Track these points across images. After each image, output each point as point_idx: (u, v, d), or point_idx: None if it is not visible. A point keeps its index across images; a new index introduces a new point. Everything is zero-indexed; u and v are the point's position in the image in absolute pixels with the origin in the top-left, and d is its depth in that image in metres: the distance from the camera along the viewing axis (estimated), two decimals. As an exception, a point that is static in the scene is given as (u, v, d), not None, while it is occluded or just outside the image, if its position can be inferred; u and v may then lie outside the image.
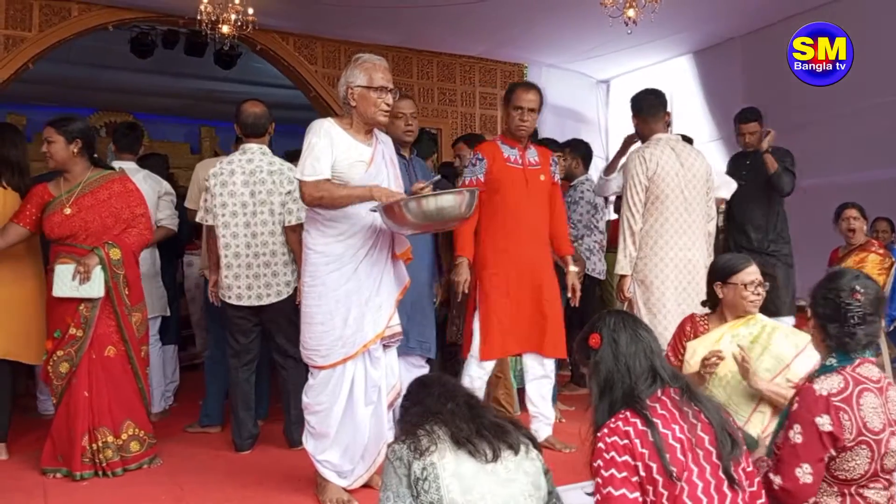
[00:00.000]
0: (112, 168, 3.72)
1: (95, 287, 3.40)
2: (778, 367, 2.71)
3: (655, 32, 6.15)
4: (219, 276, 3.74)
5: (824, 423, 1.95)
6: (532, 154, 3.83)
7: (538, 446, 1.97)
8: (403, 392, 2.18)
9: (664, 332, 3.69)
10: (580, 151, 5.18)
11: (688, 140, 4.62)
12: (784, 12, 6.00)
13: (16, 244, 3.52)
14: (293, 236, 3.62)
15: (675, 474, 1.72)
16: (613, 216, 5.27)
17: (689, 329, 2.96)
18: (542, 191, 3.79)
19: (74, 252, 3.42)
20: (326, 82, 6.71)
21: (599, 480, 1.78)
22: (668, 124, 4.31)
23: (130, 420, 3.51)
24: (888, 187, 5.44)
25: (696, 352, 2.83)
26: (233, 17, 5.32)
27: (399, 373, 3.23)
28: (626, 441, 1.77)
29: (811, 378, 2.08)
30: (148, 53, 7.16)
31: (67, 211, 3.43)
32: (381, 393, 3.07)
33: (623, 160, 4.53)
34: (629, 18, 4.89)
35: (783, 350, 2.74)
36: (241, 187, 3.68)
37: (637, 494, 1.74)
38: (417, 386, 2.10)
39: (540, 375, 3.78)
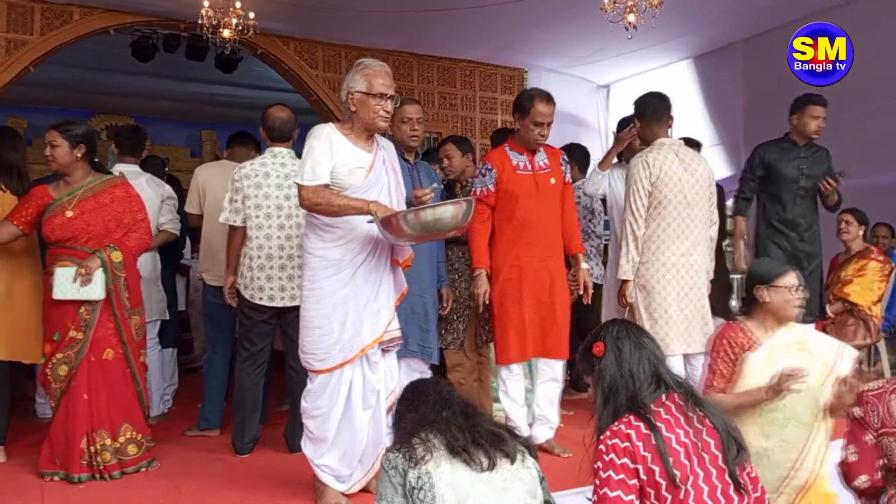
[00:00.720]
0: (110, 172, 3.73)
1: (97, 289, 3.40)
2: (826, 373, 2.69)
3: (656, 37, 6.15)
4: (236, 278, 3.76)
5: (857, 411, 2.21)
6: (541, 157, 3.83)
7: (534, 454, 1.97)
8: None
9: (665, 337, 3.68)
10: (577, 156, 5.18)
11: (696, 145, 4.60)
12: (785, 17, 6.00)
13: (8, 243, 3.52)
14: None
15: (678, 478, 1.72)
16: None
17: (741, 338, 2.83)
18: (553, 194, 3.81)
19: (75, 255, 3.42)
20: (327, 86, 6.72)
21: (597, 481, 1.80)
22: (670, 128, 4.31)
23: (128, 423, 3.50)
24: (889, 192, 5.44)
25: (760, 366, 2.72)
26: (234, 21, 5.34)
27: (399, 377, 3.22)
28: (626, 444, 1.79)
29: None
30: (149, 57, 7.18)
31: (69, 214, 3.43)
32: (380, 397, 3.07)
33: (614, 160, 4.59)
34: (629, 23, 4.89)
35: (827, 355, 2.73)
36: (276, 190, 3.70)
37: (633, 497, 1.75)
38: (412, 392, 2.08)
39: (548, 378, 3.80)
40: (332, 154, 2.90)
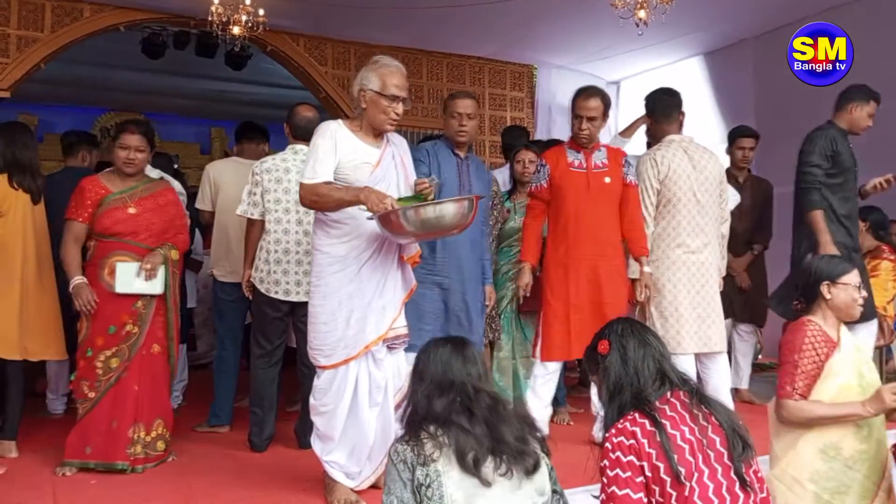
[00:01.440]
0: None
1: (159, 284, 3.53)
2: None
3: (666, 33, 6.12)
4: (252, 272, 3.78)
5: None
6: (600, 157, 3.79)
7: (547, 450, 1.95)
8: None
9: (676, 335, 3.67)
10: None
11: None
12: (796, 14, 5.96)
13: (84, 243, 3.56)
14: None
15: (683, 475, 1.71)
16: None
17: (821, 339, 2.66)
18: (608, 193, 3.75)
19: (132, 250, 3.51)
20: (336, 83, 6.72)
21: (605, 480, 1.80)
22: (681, 125, 4.28)
23: (161, 419, 3.59)
24: (889, 192, 5.39)
25: (842, 366, 2.59)
26: (243, 18, 5.34)
27: (406, 374, 3.21)
28: (632, 441, 1.79)
29: None
30: (159, 54, 7.19)
31: (133, 210, 3.53)
32: (387, 394, 3.06)
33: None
34: (640, 19, 4.87)
35: (869, 349, 2.73)
36: (296, 185, 3.70)
37: (641, 495, 1.75)
38: (437, 385, 1.94)
39: None
40: (336, 151, 2.89)
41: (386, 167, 2.98)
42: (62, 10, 5.75)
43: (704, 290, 3.79)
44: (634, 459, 1.77)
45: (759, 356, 6.01)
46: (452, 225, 2.82)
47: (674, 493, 1.72)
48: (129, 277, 3.47)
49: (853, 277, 2.71)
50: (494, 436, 1.84)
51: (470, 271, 3.69)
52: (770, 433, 2.66)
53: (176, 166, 6.40)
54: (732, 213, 4.49)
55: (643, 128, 4.65)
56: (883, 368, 5.01)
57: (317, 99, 6.95)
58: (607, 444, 1.83)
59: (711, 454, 1.78)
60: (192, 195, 4.65)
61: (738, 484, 1.76)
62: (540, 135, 7.33)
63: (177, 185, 4.50)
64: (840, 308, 2.71)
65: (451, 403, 1.89)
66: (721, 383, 3.80)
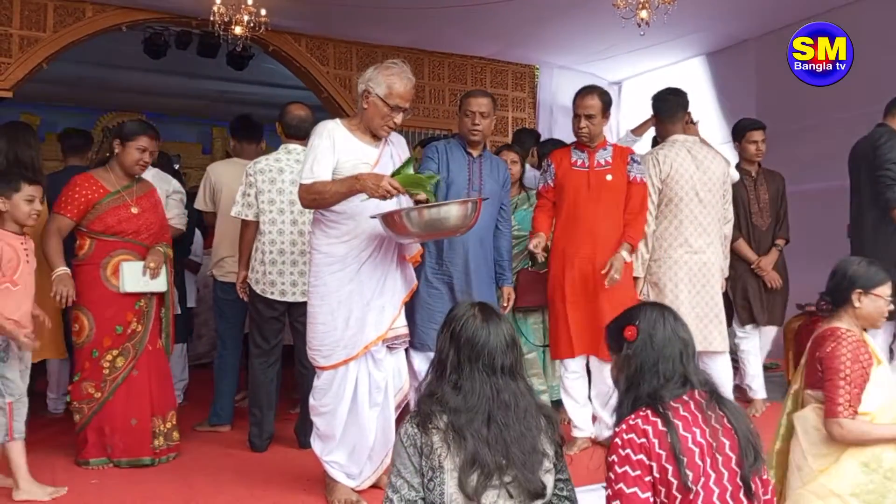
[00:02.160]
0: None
1: (162, 282, 3.61)
2: None
3: (668, 34, 6.11)
4: (248, 272, 3.79)
5: None
6: (605, 155, 3.76)
7: (561, 452, 1.92)
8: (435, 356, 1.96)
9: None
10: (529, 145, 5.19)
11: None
12: (798, 15, 5.94)
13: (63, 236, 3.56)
14: None
15: (690, 479, 1.70)
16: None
17: (862, 349, 2.55)
18: (609, 192, 3.70)
19: (135, 249, 3.57)
20: (338, 83, 6.72)
21: (612, 476, 1.77)
22: (691, 122, 4.27)
23: (173, 410, 3.72)
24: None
25: (882, 376, 2.54)
26: (245, 18, 5.33)
27: (406, 375, 3.21)
28: (643, 440, 1.76)
29: None
30: (161, 54, 7.19)
31: (135, 210, 3.58)
32: (388, 395, 3.06)
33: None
34: (642, 20, 4.86)
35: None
36: (290, 185, 3.72)
37: (648, 494, 1.73)
38: (468, 364, 1.84)
39: (598, 380, 3.72)
40: (333, 151, 2.89)
41: (384, 166, 2.97)
42: (64, 10, 5.75)
43: (706, 290, 3.78)
44: (644, 458, 1.74)
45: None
46: (456, 227, 2.81)
47: (679, 497, 1.71)
48: (135, 277, 3.52)
49: (886, 289, 2.63)
50: (504, 452, 1.77)
51: (478, 271, 3.65)
52: (799, 447, 2.56)
53: (177, 166, 6.40)
54: (752, 211, 4.46)
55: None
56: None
57: (318, 99, 6.94)
58: (617, 440, 1.79)
59: (720, 458, 1.75)
60: (193, 195, 4.64)
61: (742, 490, 1.75)
62: (541, 135, 7.32)
63: (176, 184, 4.49)
64: (865, 318, 2.64)
65: (471, 410, 1.80)
66: (721, 383, 3.78)
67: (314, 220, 3.02)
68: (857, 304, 2.62)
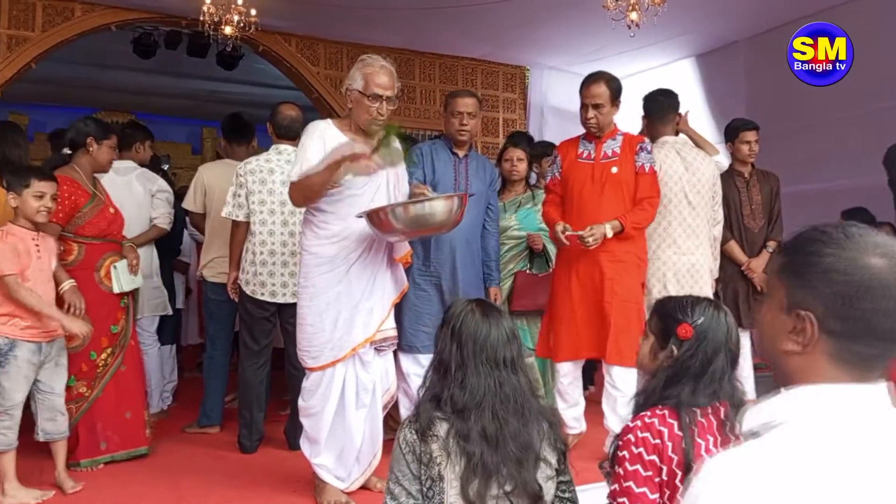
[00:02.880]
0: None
1: (141, 278, 3.76)
2: None
3: (658, 35, 6.14)
4: (239, 273, 3.78)
5: None
6: (613, 145, 3.60)
7: (565, 464, 1.88)
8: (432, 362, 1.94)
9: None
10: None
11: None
12: (788, 16, 5.99)
13: None
14: None
15: None
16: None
17: None
18: (614, 184, 3.53)
19: (118, 249, 3.67)
20: (329, 84, 6.71)
21: (622, 472, 1.71)
22: (677, 125, 4.25)
23: (149, 401, 3.85)
24: (890, 193, 5.43)
25: None
26: (235, 18, 5.32)
27: (394, 377, 3.21)
28: (658, 441, 1.71)
29: None
30: (150, 54, 7.16)
31: (112, 210, 3.65)
32: (375, 396, 3.06)
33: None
34: (631, 21, 4.87)
35: None
36: (280, 186, 3.71)
37: (657, 496, 1.69)
38: (456, 380, 1.82)
39: (606, 383, 3.58)
40: (324, 151, 2.88)
41: None
42: (53, 10, 5.72)
43: (694, 291, 3.78)
44: (657, 460, 1.70)
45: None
46: (442, 222, 2.81)
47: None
48: (126, 276, 3.60)
49: None
50: (502, 454, 1.76)
51: (465, 271, 3.66)
52: None
53: (167, 167, 6.37)
54: (744, 213, 4.43)
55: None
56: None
57: (309, 99, 6.94)
58: (631, 437, 1.72)
59: None
60: (182, 196, 4.62)
61: None
62: (532, 137, 7.33)
63: (162, 183, 4.45)
64: None
65: (470, 412, 1.78)
66: None
67: (304, 221, 3.02)
68: None
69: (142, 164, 4.52)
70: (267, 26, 5.95)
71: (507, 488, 1.74)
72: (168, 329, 4.78)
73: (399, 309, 3.35)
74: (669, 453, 1.70)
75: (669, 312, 1.85)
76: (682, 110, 4.38)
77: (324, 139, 2.90)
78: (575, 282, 3.56)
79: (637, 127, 4.74)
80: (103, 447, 3.53)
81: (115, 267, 3.57)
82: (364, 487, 3.09)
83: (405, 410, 3.49)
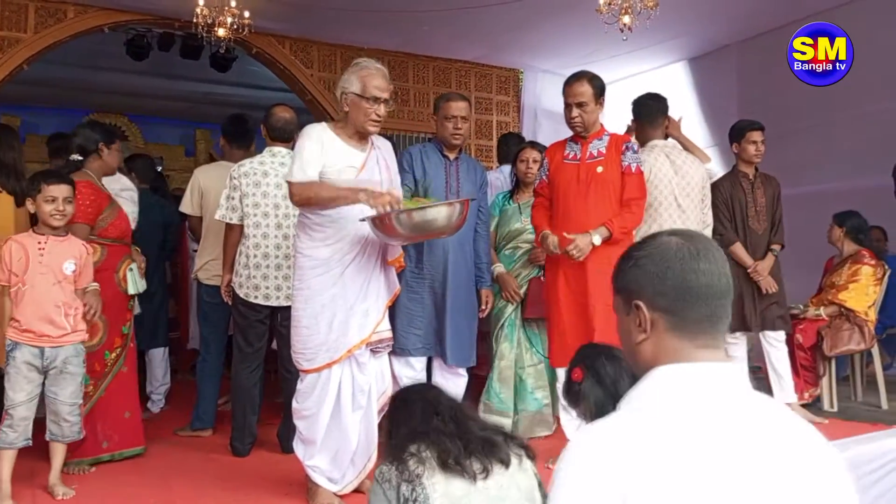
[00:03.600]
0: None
1: (144, 281, 3.81)
2: None
3: (650, 39, 6.16)
4: (232, 276, 3.77)
5: None
6: (598, 145, 3.53)
7: (532, 455, 1.95)
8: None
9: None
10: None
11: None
12: (780, 20, 6.02)
13: None
14: None
15: None
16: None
17: None
18: (600, 185, 3.47)
19: (129, 251, 3.75)
20: (322, 86, 6.71)
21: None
22: (666, 128, 4.25)
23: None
24: (883, 195, 5.46)
25: None
26: (229, 20, 5.32)
27: (389, 379, 3.22)
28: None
29: None
30: (143, 56, 7.14)
31: (121, 212, 3.71)
32: (371, 398, 3.06)
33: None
34: (624, 25, 4.89)
35: None
36: (275, 189, 3.71)
37: None
38: (399, 403, 2.04)
39: None
40: (322, 153, 2.89)
41: (370, 170, 2.98)
42: (46, 11, 5.71)
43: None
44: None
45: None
46: (443, 228, 2.85)
47: None
48: (137, 278, 3.70)
49: None
50: (462, 430, 1.86)
51: (458, 274, 3.66)
52: None
53: (160, 168, 6.36)
54: (749, 214, 4.43)
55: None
56: (863, 372, 5.07)
57: (302, 101, 6.94)
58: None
59: None
60: (177, 198, 4.61)
61: None
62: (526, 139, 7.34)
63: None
64: None
65: (421, 415, 1.91)
66: None
67: (299, 224, 3.02)
68: None
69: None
70: (260, 28, 5.95)
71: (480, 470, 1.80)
72: (161, 332, 4.77)
73: (391, 312, 3.35)
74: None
75: (564, 381, 2.17)
76: (675, 117, 4.40)
77: (321, 141, 2.92)
78: (562, 286, 3.52)
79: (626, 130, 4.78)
80: (105, 446, 3.58)
81: (130, 269, 3.67)
82: (357, 490, 3.08)
83: None
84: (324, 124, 3.03)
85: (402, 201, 2.82)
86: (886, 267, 4.91)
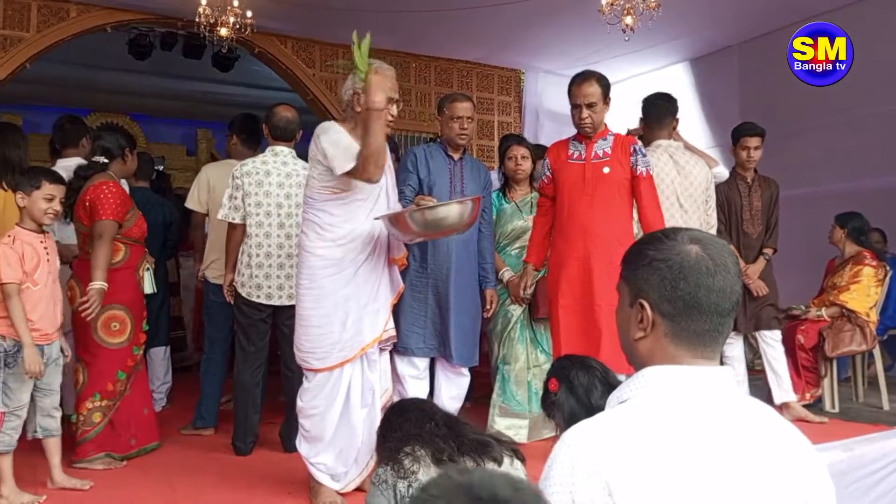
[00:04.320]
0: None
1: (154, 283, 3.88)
2: None
3: (652, 39, 6.17)
4: (235, 275, 3.77)
5: None
6: (604, 146, 3.50)
7: (522, 457, 1.99)
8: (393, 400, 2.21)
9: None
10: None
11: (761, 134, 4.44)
12: (781, 21, 6.02)
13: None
14: None
15: None
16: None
17: None
18: (607, 185, 3.44)
19: (145, 252, 3.81)
20: (324, 86, 6.72)
21: None
22: (674, 128, 4.25)
23: None
24: (883, 197, 5.46)
25: None
26: (231, 19, 5.33)
27: (390, 377, 3.25)
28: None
29: None
30: (146, 55, 7.16)
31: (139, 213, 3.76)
32: (375, 396, 3.08)
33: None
34: (627, 25, 4.90)
35: None
36: (277, 188, 3.71)
37: None
38: (394, 413, 2.11)
39: None
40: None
41: None
42: (48, 10, 5.71)
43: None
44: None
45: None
46: (455, 225, 2.90)
47: None
48: (151, 278, 3.78)
49: None
50: (455, 433, 1.92)
51: (462, 273, 3.66)
52: None
53: (161, 168, 6.37)
54: (744, 218, 4.43)
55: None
56: (864, 373, 5.07)
57: (304, 101, 6.94)
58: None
59: None
60: (179, 196, 4.62)
61: None
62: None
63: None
64: None
65: (416, 421, 1.98)
66: None
67: (307, 223, 3.01)
68: None
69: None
70: (263, 28, 5.95)
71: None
72: (162, 330, 4.78)
73: (394, 311, 3.36)
74: None
75: (542, 394, 2.22)
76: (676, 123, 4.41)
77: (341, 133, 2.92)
78: (564, 284, 3.49)
79: (630, 128, 4.79)
80: (133, 443, 3.67)
81: (147, 269, 3.75)
82: (360, 489, 3.09)
83: None
84: (334, 123, 3.04)
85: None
86: (888, 268, 4.92)
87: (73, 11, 5.78)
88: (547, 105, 7.62)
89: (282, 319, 3.74)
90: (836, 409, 4.61)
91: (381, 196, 3.01)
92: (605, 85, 3.48)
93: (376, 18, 6.12)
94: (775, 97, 6.06)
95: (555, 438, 2.06)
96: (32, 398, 3.17)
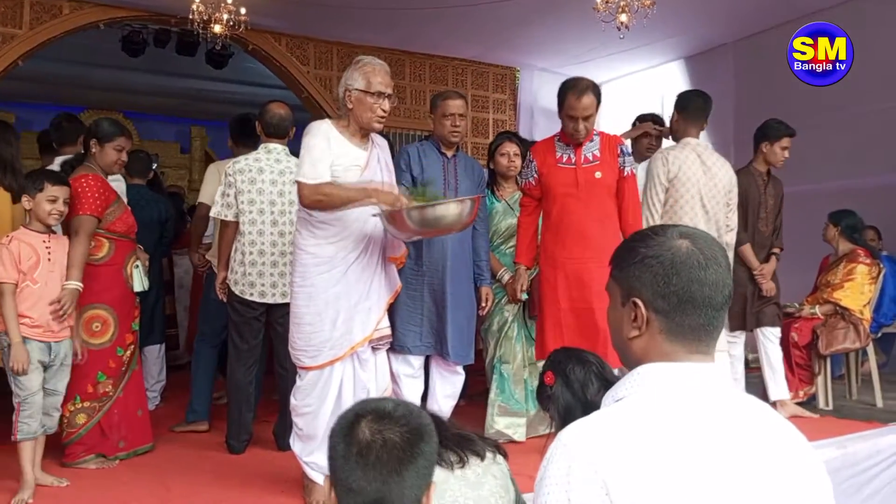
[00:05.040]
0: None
1: (147, 280, 3.80)
2: None
3: (648, 37, 6.17)
4: (227, 273, 3.75)
5: None
6: (592, 148, 3.52)
7: (504, 453, 1.99)
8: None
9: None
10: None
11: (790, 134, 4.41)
12: (777, 19, 6.03)
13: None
14: None
15: None
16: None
17: None
18: (600, 189, 3.48)
19: (135, 248, 3.73)
20: (319, 83, 6.71)
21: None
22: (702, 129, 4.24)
23: None
24: (881, 194, 5.47)
25: None
26: (225, 16, 5.31)
27: (388, 376, 3.22)
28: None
29: None
30: (139, 52, 7.14)
31: (128, 208, 3.70)
32: (370, 395, 3.07)
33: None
34: (621, 23, 4.90)
35: None
36: (270, 185, 3.70)
37: None
38: None
39: None
40: (329, 151, 2.89)
41: (373, 170, 2.99)
42: (41, 7, 5.69)
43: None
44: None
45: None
46: (453, 224, 2.88)
47: None
48: (142, 275, 3.70)
49: None
50: (438, 429, 1.88)
51: (457, 271, 3.66)
52: None
53: (155, 165, 6.34)
54: (760, 216, 4.43)
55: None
56: (858, 370, 5.08)
57: (298, 99, 6.93)
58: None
59: None
60: (172, 194, 4.60)
61: None
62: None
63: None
64: None
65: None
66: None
67: (300, 220, 3.01)
68: None
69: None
70: (257, 25, 5.94)
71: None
72: (157, 328, 4.76)
73: (390, 309, 3.35)
74: None
75: (538, 386, 2.21)
76: (665, 123, 4.42)
77: (328, 139, 2.91)
78: (562, 287, 3.51)
79: (623, 128, 4.79)
80: (121, 445, 3.62)
81: (136, 266, 3.68)
82: (353, 488, 3.08)
83: None
84: (328, 121, 3.02)
85: (411, 199, 2.84)
86: (881, 266, 4.93)
87: (65, 8, 5.75)
88: (542, 103, 7.61)
89: (275, 317, 3.73)
90: (830, 407, 4.63)
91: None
92: (598, 94, 3.50)
93: (371, 16, 6.13)
94: (771, 95, 6.07)
95: (550, 434, 2.07)
96: None
